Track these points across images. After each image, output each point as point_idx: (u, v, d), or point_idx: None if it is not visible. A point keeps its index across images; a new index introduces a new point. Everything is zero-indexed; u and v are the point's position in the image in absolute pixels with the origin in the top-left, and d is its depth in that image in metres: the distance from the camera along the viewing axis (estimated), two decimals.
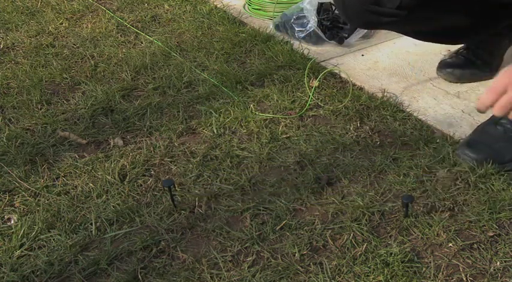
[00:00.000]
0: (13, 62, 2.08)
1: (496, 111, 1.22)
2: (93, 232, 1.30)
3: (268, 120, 1.66)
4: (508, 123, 1.47)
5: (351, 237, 1.26)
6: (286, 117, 1.67)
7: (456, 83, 1.84)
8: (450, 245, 1.24)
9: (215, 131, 1.63)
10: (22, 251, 1.25)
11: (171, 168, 1.50)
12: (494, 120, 1.50)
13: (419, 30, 1.62)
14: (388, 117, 1.66)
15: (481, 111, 1.25)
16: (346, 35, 2.10)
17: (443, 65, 1.86)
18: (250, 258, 1.22)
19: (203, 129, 1.65)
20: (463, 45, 1.87)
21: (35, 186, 1.44)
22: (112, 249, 1.25)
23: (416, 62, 1.99)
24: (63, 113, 1.75)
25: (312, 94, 1.73)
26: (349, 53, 2.05)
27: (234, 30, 2.22)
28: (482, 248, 1.23)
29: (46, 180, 1.47)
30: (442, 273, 1.17)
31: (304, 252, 1.23)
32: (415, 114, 1.68)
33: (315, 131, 1.61)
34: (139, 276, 1.18)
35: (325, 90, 1.80)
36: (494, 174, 1.41)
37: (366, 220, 1.30)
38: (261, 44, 2.09)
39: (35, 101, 1.80)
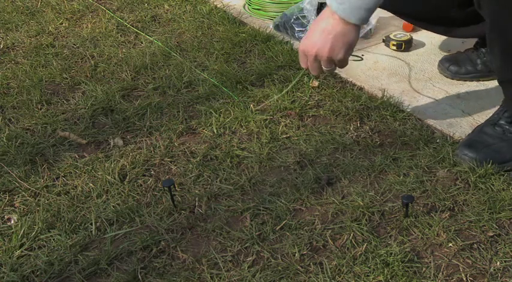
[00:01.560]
0: (13, 62, 2.08)
1: (312, 72, 1.42)
2: (93, 232, 1.30)
3: (268, 120, 1.66)
4: (506, 124, 1.48)
5: (351, 237, 1.26)
6: (287, 117, 1.67)
7: (452, 79, 1.85)
8: (450, 245, 1.24)
9: (215, 131, 1.63)
10: (22, 251, 1.25)
11: (171, 168, 1.50)
12: (492, 121, 1.51)
13: (410, 12, 1.63)
14: (388, 117, 1.66)
15: (316, 75, 1.47)
16: None
17: (442, 60, 1.90)
18: (250, 258, 1.22)
19: (203, 129, 1.65)
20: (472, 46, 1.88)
21: (35, 186, 1.44)
22: (112, 249, 1.24)
23: (416, 62, 1.99)
24: (63, 113, 1.75)
25: (309, 93, 1.73)
26: None
27: (234, 30, 2.22)
28: (482, 248, 1.23)
29: (46, 180, 1.47)
30: (442, 273, 1.17)
31: (304, 252, 1.23)
32: (415, 114, 1.68)
33: (315, 131, 1.61)
34: (139, 276, 1.18)
35: (325, 90, 1.80)
36: (494, 174, 1.41)
37: (366, 220, 1.30)
38: (261, 44, 2.09)
39: (35, 101, 1.80)
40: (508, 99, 1.49)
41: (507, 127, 1.48)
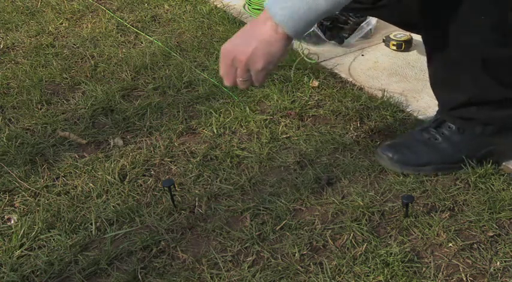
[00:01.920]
0: (13, 62, 2.08)
1: (225, 81, 1.26)
2: (93, 232, 1.30)
3: (268, 120, 1.66)
4: (433, 130, 1.47)
5: (351, 237, 1.26)
6: (287, 117, 1.67)
7: None
8: (450, 245, 1.24)
9: (215, 131, 1.63)
10: (22, 251, 1.25)
11: (171, 168, 1.50)
12: (422, 127, 1.51)
13: (400, 21, 1.63)
14: (388, 117, 1.66)
15: (228, 85, 1.28)
16: (346, 35, 2.10)
17: None
18: (250, 258, 1.22)
19: (203, 129, 1.65)
20: None
21: (35, 186, 1.44)
22: (112, 249, 1.24)
23: (416, 62, 1.99)
24: (63, 113, 1.75)
25: (309, 93, 1.73)
26: (349, 53, 2.05)
27: (234, 30, 2.22)
28: (482, 248, 1.23)
29: (46, 180, 1.47)
30: (442, 273, 1.17)
31: (304, 252, 1.23)
32: (415, 114, 1.68)
33: (315, 131, 1.61)
34: (139, 276, 1.18)
35: (325, 90, 1.80)
36: (494, 174, 1.41)
37: (366, 220, 1.30)
38: None
39: (35, 101, 1.80)
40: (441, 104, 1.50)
41: (433, 133, 1.47)
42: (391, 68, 1.96)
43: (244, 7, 2.46)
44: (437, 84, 1.47)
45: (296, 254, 1.22)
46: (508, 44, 1.31)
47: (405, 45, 2.04)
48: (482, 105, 1.40)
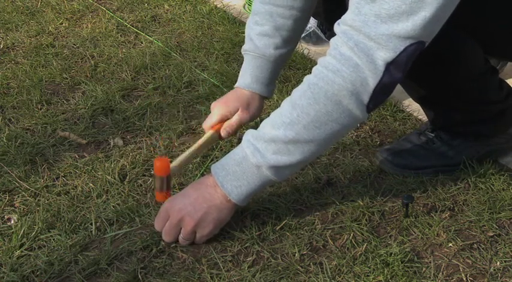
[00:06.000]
0: (13, 62, 2.08)
1: (165, 238, 1.25)
2: (93, 232, 1.30)
3: None
4: (432, 136, 1.48)
5: (351, 237, 1.26)
6: None
7: None
8: (450, 245, 1.24)
9: None
10: (22, 251, 1.25)
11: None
12: (419, 131, 1.52)
13: None
14: (388, 117, 1.66)
15: (168, 241, 1.25)
16: None
17: None
18: (250, 258, 1.22)
19: (203, 129, 1.64)
20: None
21: (35, 186, 1.44)
22: (112, 249, 1.24)
23: None
24: (63, 113, 1.75)
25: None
26: None
27: (234, 30, 2.22)
28: (482, 248, 1.23)
29: (46, 180, 1.47)
30: (442, 273, 1.17)
31: (304, 252, 1.23)
32: (415, 114, 1.68)
33: None
34: (139, 276, 1.18)
35: None
36: (494, 174, 1.41)
37: (366, 220, 1.30)
38: None
39: (35, 101, 1.80)
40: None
41: (431, 137, 1.48)
42: None
43: (244, 7, 2.46)
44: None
45: (296, 254, 1.22)
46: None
47: None
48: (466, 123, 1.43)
